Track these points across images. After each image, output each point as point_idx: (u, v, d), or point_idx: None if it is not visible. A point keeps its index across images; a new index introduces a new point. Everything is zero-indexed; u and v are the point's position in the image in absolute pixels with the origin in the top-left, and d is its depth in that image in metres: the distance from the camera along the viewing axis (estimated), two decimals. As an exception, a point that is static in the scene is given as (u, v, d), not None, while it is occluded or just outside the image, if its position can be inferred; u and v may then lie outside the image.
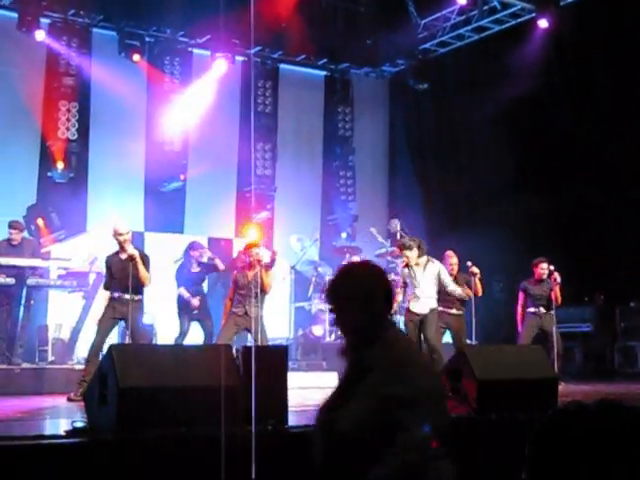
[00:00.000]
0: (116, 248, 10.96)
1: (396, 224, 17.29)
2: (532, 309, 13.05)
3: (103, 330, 10.65)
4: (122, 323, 10.97)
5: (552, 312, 12.84)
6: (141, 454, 5.35)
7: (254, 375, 6.19)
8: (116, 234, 10.83)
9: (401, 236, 15.92)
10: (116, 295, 10.71)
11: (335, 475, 3.50)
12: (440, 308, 12.29)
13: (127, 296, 10.57)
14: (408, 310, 11.61)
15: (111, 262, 10.92)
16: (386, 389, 3.30)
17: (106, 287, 11.05)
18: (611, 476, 1.93)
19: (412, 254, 11.56)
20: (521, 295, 13.22)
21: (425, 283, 11.56)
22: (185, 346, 11.45)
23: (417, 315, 11.48)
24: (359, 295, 3.68)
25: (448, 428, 3.54)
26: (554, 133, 15.88)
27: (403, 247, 11.75)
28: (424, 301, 11.51)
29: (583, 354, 15.57)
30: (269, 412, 6.09)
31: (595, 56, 15.46)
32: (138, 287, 10.73)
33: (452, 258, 12.74)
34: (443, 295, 12.29)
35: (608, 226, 15.01)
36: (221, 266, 13.89)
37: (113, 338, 11.69)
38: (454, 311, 12.49)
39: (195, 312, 13.54)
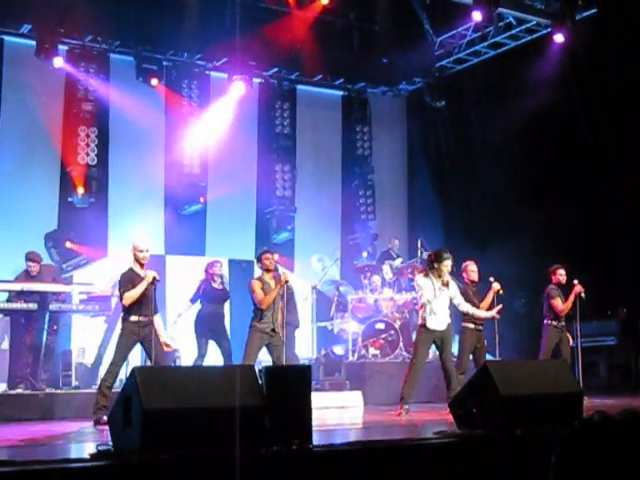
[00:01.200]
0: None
1: (396, 243, 17.41)
2: (554, 322, 12.89)
3: (124, 354, 10.51)
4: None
5: (575, 325, 12.72)
6: (166, 476, 5.35)
7: (278, 395, 6.20)
8: (136, 250, 10.67)
9: (421, 253, 15.94)
10: (135, 318, 10.51)
11: None
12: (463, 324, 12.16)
13: (146, 318, 10.47)
14: (424, 327, 11.10)
15: (133, 279, 10.49)
16: None
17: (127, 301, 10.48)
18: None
19: (449, 263, 11.28)
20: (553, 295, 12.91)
21: (444, 298, 11.24)
22: (208, 367, 11.41)
23: (433, 332, 11.07)
24: None
25: None
26: (574, 146, 15.86)
27: (442, 257, 11.16)
28: (441, 317, 11.12)
29: (607, 368, 15.51)
30: (293, 431, 6.09)
31: (611, 70, 15.45)
32: (156, 308, 10.68)
33: (471, 265, 12.40)
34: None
35: (630, 239, 14.96)
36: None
37: (135, 361, 11.67)
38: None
39: (213, 332, 13.61)
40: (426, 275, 11.24)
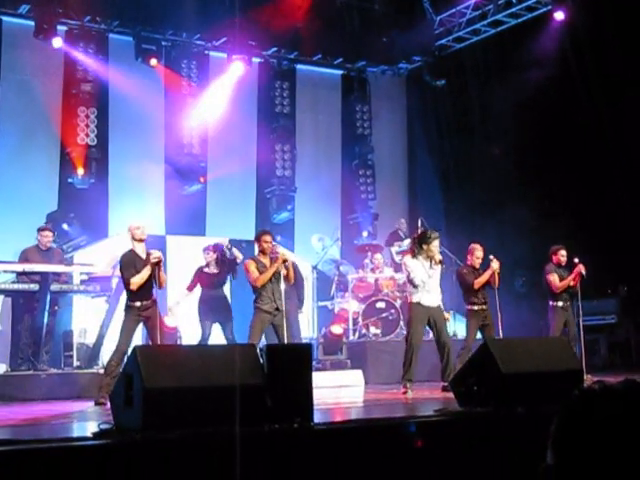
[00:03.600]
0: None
1: (403, 222, 17.38)
2: (560, 303, 12.62)
3: (128, 337, 10.48)
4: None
5: (577, 304, 12.60)
6: (167, 454, 5.37)
7: (279, 373, 6.21)
8: (132, 229, 10.63)
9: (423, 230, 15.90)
10: (139, 304, 10.37)
11: None
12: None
13: (149, 301, 10.45)
14: (417, 304, 11.06)
15: (135, 261, 10.49)
16: None
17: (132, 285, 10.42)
18: (638, 456, 1.92)
19: (438, 242, 11.25)
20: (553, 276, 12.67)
21: (436, 277, 11.19)
22: (209, 346, 11.41)
23: (427, 309, 11.03)
24: None
25: None
26: (574, 124, 15.81)
27: (429, 237, 11.14)
28: (434, 295, 11.11)
29: (608, 346, 15.53)
30: (294, 410, 6.10)
31: (612, 47, 15.39)
32: (154, 289, 10.57)
33: (478, 251, 12.16)
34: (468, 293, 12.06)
35: (631, 217, 14.94)
36: (239, 256, 13.92)
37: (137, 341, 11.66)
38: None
39: (216, 314, 13.59)
40: (414, 256, 11.18)
